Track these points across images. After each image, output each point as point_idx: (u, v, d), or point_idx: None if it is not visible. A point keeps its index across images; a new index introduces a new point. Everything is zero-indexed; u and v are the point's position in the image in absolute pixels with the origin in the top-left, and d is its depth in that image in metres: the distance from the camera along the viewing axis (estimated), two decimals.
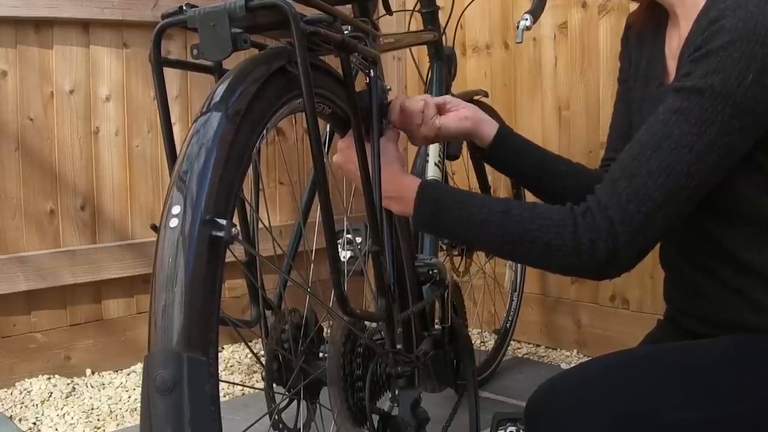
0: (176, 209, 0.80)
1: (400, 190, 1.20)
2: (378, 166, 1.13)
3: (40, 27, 2.30)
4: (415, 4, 1.96)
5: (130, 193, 2.50)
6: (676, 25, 1.23)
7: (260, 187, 1.18)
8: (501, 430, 1.55)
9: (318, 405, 1.16)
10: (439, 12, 1.97)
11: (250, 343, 2.50)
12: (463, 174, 2.36)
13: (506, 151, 1.39)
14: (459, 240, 1.18)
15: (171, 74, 2.34)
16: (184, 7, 0.89)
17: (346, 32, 1.06)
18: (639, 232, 1.06)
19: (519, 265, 2.48)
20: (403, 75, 3.11)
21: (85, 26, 2.38)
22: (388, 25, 2.82)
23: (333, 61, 1.07)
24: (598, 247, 1.06)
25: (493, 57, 2.78)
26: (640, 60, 1.34)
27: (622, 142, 1.24)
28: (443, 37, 1.98)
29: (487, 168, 2.31)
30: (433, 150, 1.85)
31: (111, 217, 2.46)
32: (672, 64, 1.23)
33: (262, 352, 1.10)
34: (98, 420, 2.06)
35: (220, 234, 0.80)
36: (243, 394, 2.25)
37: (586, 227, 1.07)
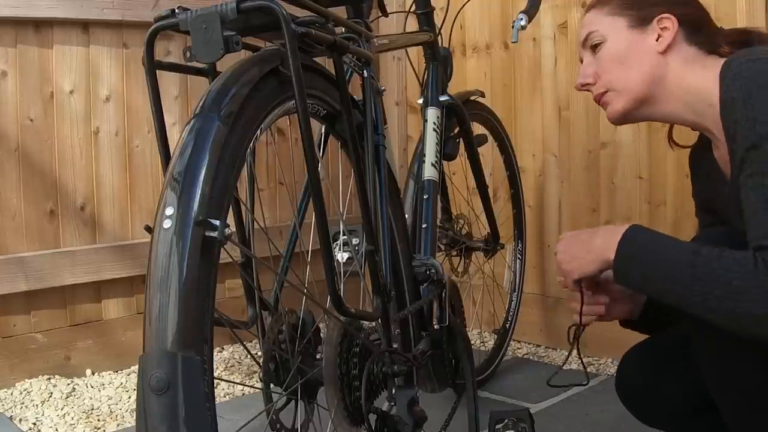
0: (170, 210, 0.81)
1: (609, 232, 1.26)
2: (373, 166, 1.14)
3: (40, 27, 2.31)
4: (411, 6, 1.96)
5: (130, 193, 2.51)
6: (715, 142, 1.33)
7: (255, 187, 1.18)
8: (498, 426, 1.56)
9: (315, 405, 1.17)
10: (436, 13, 1.97)
11: (249, 344, 2.53)
12: (462, 174, 2.36)
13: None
14: (653, 292, 1.20)
15: (171, 75, 2.35)
16: (176, 10, 0.89)
17: (340, 34, 1.06)
18: None
19: (518, 265, 2.49)
20: (402, 75, 3.11)
21: (85, 26, 2.39)
22: (387, 26, 2.82)
23: (329, 63, 1.07)
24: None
25: (493, 57, 2.78)
26: (702, 180, 1.44)
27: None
28: (439, 38, 1.98)
29: (486, 168, 2.32)
30: (430, 150, 1.86)
31: (111, 218, 2.47)
32: (726, 168, 1.30)
33: (260, 353, 1.10)
34: (98, 420, 2.06)
35: (214, 234, 0.80)
36: (243, 394, 2.25)
37: (765, 267, 1.06)
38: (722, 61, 1.23)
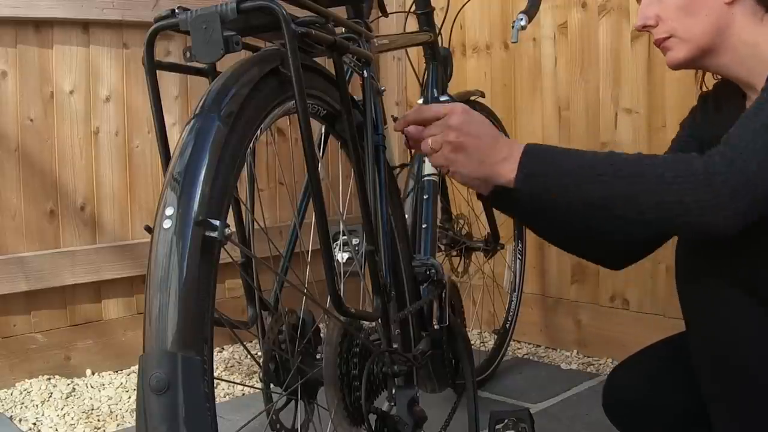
0: (169, 210, 0.81)
1: (510, 150, 1.18)
2: (373, 166, 1.14)
3: (40, 27, 2.31)
4: (411, 6, 1.96)
5: (130, 193, 2.51)
6: (752, 96, 1.31)
7: (255, 187, 1.18)
8: (498, 426, 1.56)
9: (315, 405, 1.17)
10: (436, 13, 1.97)
11: (249, 344, 2.52)
12: None
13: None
14: (565, 193, 1.14)
15: (171, 75, 2.35)
16: (176, 10, 0.89)
17: (340, 34, 1.06)
18: (759, 173, 1.06)
19: (518, 265, 2.48)
20: (402, 75, 3.11)
21: (85, 26, 2.39)
22: (387, 26, 2.82)
23: (329, 63, 1.07)
24: (715, 179, 1.05)
25: (493, 57, 2.78)
26: (718, 120, 1.40)
27: None
28: (439, 38, 1.98)
29: None
30: None
31: (111, 218, 2.47)
32: None
33: (260, 353, 1.10)
34: (98, 420, 2.06)
35: (214, 234, 0.80)
36: (243, 394, 2.25)
37: (703, 163, 1.06)
38: None
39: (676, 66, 1.37)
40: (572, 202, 1.16)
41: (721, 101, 1.42)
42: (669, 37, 1.34)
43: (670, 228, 1.17)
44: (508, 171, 1.17)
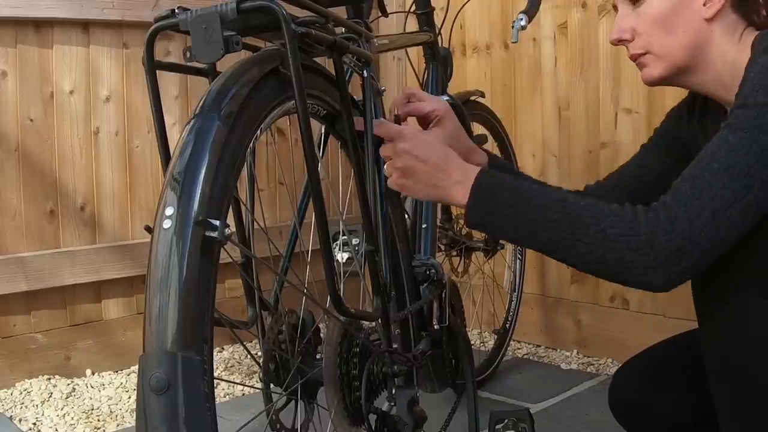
0: (169, 210, 0.81)
1: (464, 174, 1.17)
2: (373, 166, 1.14)
3: (40, 27, 2.31)
4: (411, 6, 1.96)
5: (130, 193, 2.51)
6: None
7: (255, 187, 1.18)
8: (498, 426, 1.56)
9: (315, 405, 1.17)
10: (436, 13, 1.97)
11: (249, 344, 2.52)
12: None
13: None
14: (513, 227, 1.15)
15: (171, 75, 2.35)
16: (176, 10, 0.89)
17: (340, 34, 1.06)
18: (704, 230, 1.04)
19: (518, 265, 2.48)
20: (402, 75, 3.11)
21: (85, 26, 2.39)
22: (387, 26, 2.82)
23: (330, 63, 1.07)
24: (658, 240, 1.04)
25: (493, 57, 2.78)
26: (700, 129, 1.39)
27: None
28: (439, 38, 1.98)
29: None
30: None
31: (111, 218, 2.47)
32: None
33: (260, 353, 1.10)
34: (98, 420, 2.06)
35: (214, 234, 0.80)
36: (243, 394, 2.25)
37: (647, 220, 1.05)
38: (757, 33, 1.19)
39: (651, 83, 1.32)
40: (520, 237, 1.16)
41: (707, 109, 1.39)
42: (645, 54, 1.29)
43: (611, 280, 1.17)
44: (460, 195, 1.16)
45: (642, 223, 1.05)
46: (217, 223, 0.80)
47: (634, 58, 1.31)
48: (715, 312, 1.19)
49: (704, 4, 1.23)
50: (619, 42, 1.32)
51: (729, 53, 1.23)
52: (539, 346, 2.66)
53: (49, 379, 2.32)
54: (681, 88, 1.36)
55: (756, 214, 1.07)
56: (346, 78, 1.17)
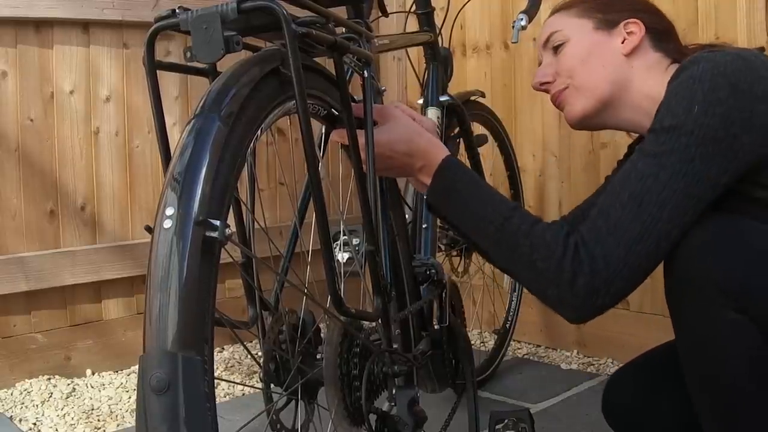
0: (170, 210, 0.80)
1: (425, 158, 1.22)
2: (373, 167, 1.14)
3: (40, 27, 2.31)
4: (411, 6, 1.96)
5: (130, 193, 2.51)
6: None
7: (256, 187, 1.18)
8: (498, 426, 1.56)
9: (315, 405, 1.17)
10: (436, 13, 1.97)
11: (249, 344, 2.52)
12: None
13: None
14: (459, 230, 1.23)
15: (171, 75, 2.35)
16: (177, 10, 0.89)
17: (340, 34, 1.06)
18: (619, 269, 1.08)
19: None
20: (403, 75, 3.11)
21: (85, 26, 2.39)
22: (387, 26, 2.82)
23: (330, 63, 1.07)
24: (577, 281, 1.08)
25: (493, 57, 2.78)
26: None
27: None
28: (439, 38, 1.98)
29: (487, 168, 2.32)
30: None
31: (111, 218, 2.47)
32: None
33: (260, 353, 1.10)
34: (98, 420, 2.06)
35: (214, 234, 0.80)
36: (243, 394, 2.25)
37: (572, 259, 1.09)
38: None
39: (575, 121, 1.33)
40: (467, 235, 1.23)
41: None
42: (565, 88, 1.32)
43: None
44: (425, 179, 1.22)
45: (568, 262, 1.09)
46: (218, 223, 0.80)
47: (556, 97, 1.34)
48: (684, 324, 1.18)
49: (622, 42, 1.28)
50: (540, 85, 1.36)
51: (653, 88, 1.25)
52: (539, 346, 2.66)
53: (49, 379, 2.32)
54: (609, 129, 1.37)
55: (670, 242, 1.10)
56: (347, 78, 1.17)
